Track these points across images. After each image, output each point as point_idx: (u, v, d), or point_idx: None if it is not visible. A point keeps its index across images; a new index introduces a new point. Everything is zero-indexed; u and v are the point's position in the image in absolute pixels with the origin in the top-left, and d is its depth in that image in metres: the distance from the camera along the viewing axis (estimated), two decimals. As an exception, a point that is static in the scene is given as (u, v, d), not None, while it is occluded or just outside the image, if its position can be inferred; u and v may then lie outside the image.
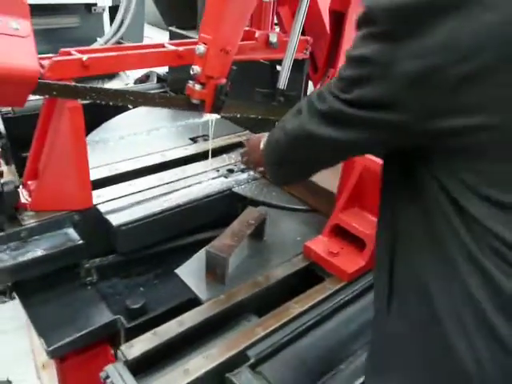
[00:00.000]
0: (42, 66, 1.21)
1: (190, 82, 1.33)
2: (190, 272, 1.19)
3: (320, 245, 1.25)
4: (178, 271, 1.20)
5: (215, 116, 2.14)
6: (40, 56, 1.25)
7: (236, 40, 1.34)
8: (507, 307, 0.63)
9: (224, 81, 1.34)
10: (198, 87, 1.32)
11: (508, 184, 0.61)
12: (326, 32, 1.83)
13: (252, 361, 0.95)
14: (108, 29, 3.61)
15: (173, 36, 2.26)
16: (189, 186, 1.55)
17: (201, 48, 1.28)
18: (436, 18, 0.54)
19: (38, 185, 1.32)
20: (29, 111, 1.73)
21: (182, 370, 0.92)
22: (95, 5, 3.19)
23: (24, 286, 1.29)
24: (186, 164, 1.71)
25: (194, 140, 1.90)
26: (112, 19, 3.76)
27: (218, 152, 1.80)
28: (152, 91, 2.28)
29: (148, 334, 1.00)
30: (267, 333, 1.02)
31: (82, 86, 1.16)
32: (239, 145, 1.87)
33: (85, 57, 1.23)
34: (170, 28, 2.25)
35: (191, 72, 1.31)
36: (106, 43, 1.47)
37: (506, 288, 0.62)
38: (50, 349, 1.14)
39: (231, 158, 1.75)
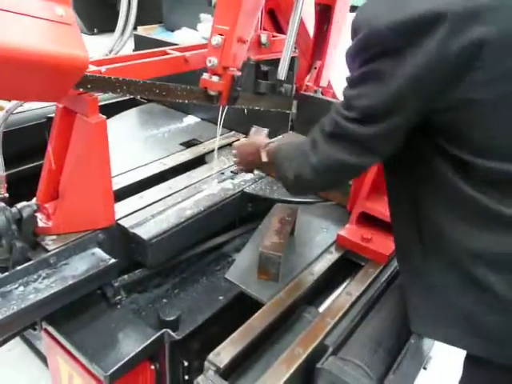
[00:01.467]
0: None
1: (205, 74, 1.33)
2: (241, 275, 1.21)
3: (352, 233, 1.33)
4: (227, 276, 1.21)
5: (194, 120, 2.14)
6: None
7: (251, 29, 1.35)
8: None
9: (240, 72, 1.36)
10: (215, 79, 1.32)
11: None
12: (304, 28, 1.91)
13: (332, 349, 1.01)
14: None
15: (138, 40, 2.20)
16: (202, 191, 1.54)
17: (218, 39, 1.27)
18: (420, 33, 0.70)
19: (59, 206, 1.25)
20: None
21: (273, 370, 0.95)
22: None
23: (53, 315, 1.22)
24: (186, 170, 1.70)
25: (185, 145, 1.88)
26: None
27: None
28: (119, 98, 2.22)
29: (227, 341, 1.01)
30: (336, 321, 1.07)
31: (115, 78, 1.13)
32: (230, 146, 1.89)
33: (103, 68, 1.19)
34: (135, 33, 2.19)
35: (207, 64, 1.31)
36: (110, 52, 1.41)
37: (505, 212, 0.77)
38: (109, 373, 1.10)
39: (229, 160, 1.76)
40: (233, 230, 1.62)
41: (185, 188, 1.56)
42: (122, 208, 1.42)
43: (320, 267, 1.26)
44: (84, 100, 1.15)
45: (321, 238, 1.39)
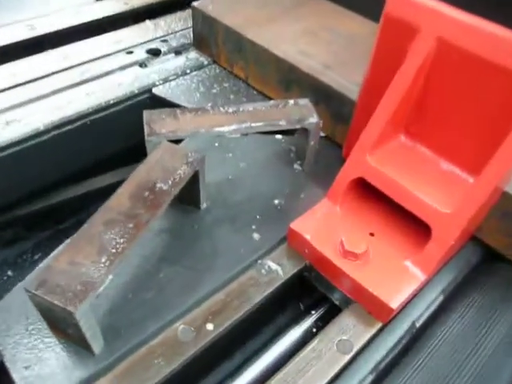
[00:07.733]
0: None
1: None
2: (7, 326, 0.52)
3: (319, 229, 0.57)
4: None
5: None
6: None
7: None
8: None
9: None
10: None
11: None
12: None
13: None
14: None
15: None
16: (81, 84, 0.80)
17: None
18: None
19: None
20: None
21: None
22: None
23: None
24: (72, 40, 0.93)
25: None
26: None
27: (139, 17, 1.01)
28: None
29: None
30: None
31: None
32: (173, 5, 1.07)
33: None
34: None
35: None
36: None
37: None
38: None
39: (159, 27, 0.96)
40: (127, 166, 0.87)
41: (59, 72, 0.83)
42: None
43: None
44: None
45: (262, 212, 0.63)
